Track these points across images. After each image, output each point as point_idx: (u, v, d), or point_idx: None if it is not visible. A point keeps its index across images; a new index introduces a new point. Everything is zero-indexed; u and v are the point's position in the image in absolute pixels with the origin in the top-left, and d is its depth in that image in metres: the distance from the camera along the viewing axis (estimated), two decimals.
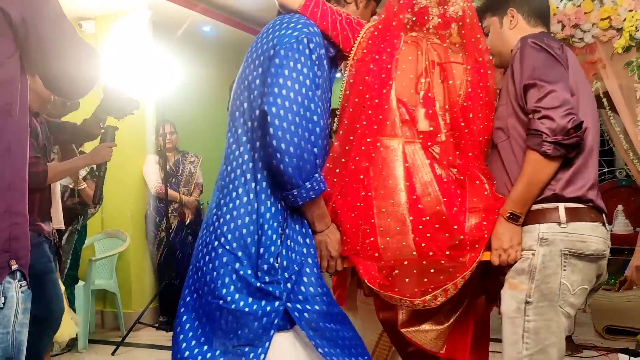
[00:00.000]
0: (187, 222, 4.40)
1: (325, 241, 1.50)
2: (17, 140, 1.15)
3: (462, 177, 1.57)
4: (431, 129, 1.57)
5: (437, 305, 1.49)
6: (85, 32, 4.47)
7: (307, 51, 1.42)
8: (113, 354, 3.69)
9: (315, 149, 1.41)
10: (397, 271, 1.48)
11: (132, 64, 4.32)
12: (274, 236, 1.39)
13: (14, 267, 1.14)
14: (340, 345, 1.41)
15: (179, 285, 4.21)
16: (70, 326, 2.84)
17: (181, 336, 1.43)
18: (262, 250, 1.38)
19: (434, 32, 1.63)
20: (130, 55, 4.32)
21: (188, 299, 1.48)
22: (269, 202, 1.41)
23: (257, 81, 1.45)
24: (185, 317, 1.46)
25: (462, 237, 1.50)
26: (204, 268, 1.43)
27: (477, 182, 1.58)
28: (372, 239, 1.49)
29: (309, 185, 1.40)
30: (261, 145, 1.42)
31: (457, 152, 1.59)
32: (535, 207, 1.57)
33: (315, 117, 1.40)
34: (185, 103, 5.07)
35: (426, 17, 1.61)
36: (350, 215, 1.52)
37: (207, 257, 1.43)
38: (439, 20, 1.61)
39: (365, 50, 1.58)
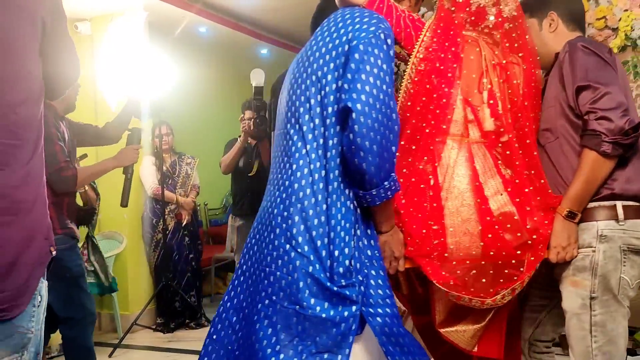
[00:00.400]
0: (184, 223, 4.39)
1: (389, 242, 1.48)
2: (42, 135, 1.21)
3: (525, 177, 1.60)
4: (496, 129, 1.59)
5: (503, 304, 1.53)
6: (81, 34, 4.46)
7: (385, 47, 1.36)
8: (110, 355, 3.68)
9: (393, 147, 1.35)
10: (474, 271, 1.50)
11: (128, 65, 4.31)
12: (347, 238, 1.35)
13: (54, 253, 1.21)
14: (405, 351, 1.37)
15: (175, 286, 4.20)
16: None
17: (257, 345, 1.35)
18: (336, 252, 1.33)
19: (488, 32, 1.64)
20: (126, 56, 4.31)
21: (260, 306, 1.40)
22: (339, 203, 1.36)
23: (329, 77, 1.38)
24: (258, 325, 1.38)
25: (534, 236, 1.55)
26: (277, 273, 1.36)
27: (542, 182, 1.62)
28: (441, 239, 1.50)
29: (387, 185, 1.35)
30: (337, 143, 1.36)
31: (520, 152, 1.61)
32: (592, 205, 1.63)
33: (393, 115, 1.34)
34: (182, 104, 5.07)
35: (484, 17, 1.62)
36: (417, 216, 1.51)
37: (280, 261, 1.37)
38: (495, 20, 1.62)
39: (430, 49, 1.57)
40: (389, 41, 1.38)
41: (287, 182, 1.41)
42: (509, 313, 1.67)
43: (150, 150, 4.45)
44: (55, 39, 1.25)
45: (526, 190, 1.57)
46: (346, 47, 1.36)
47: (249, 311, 1.42)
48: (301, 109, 1.42)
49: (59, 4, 1.26)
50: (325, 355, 1.30)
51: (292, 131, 1.43)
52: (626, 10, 2.98)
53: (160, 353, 3.79)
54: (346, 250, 1.33)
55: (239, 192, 4.05)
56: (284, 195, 1.40)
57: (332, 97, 1.37)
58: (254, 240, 1.48)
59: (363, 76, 1.31)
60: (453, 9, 1.62)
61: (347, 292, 1.31)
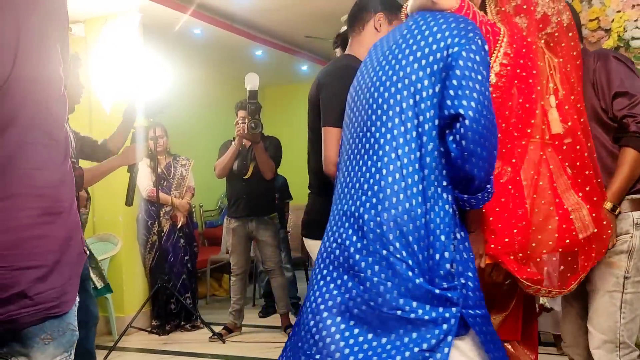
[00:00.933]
0: (179, 225, 4.38)
1: (475, 240, 1.51)
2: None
3: (585, 176, 1.71)
4: (563, 131, 1.67)
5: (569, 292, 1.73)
6: (74, 35, 4.44)
7: (482, 53, 1.38)
8: (105, 358, 3.67)
9: (495, 152, 1.39)
10: (553, 265, 1.65)
11: (122, 67, 4.30)
12: (447, 242, 1.36)
13: (87, 252, 1.26)
14: (498, 347, 1.42)
15: (171, 288, 4.20)
16: None
17: (347, 350, 1.36)
18: (437, 256, 1.35)
19: (546, 39, 1.73)
20: (121, 58, 4.30)
21: (356, 311, 1.40)
22: (437, 207, 1.37)
23: (425, 82, 1.38)
24: (356, 331, 1.39)
25: (609, 231, 1.72)
26: (375, 279, 1.37)
27: (599, 180, 1.74)
28: (526, 237, 1.57)
29: (489, 188, 1.40)
30: (434, 148, 1.37)
31: (586, 154, 1.70)
32: (627, 197, 1.84)
33: (494, 120, 1.37)
34: (177, 106, 5.06)
35: (547, 24, 1.71)
36: (503, 215, 1.55)
37: (377, 267, 1.37)
38: (556, 27, 1.71)
39: (512, 55, 1.62)
40: (485, 47, 1.40)
41: (375, 187, 1.41)
42: (525, 299, 1.79)
43: (144, 152, 4.44)
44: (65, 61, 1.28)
45: (587, 188, 1.69)
46: (445, 52, 1.37)
47: (342, 317, 1.41)
48: (390, 112, 1.42)
49: (66, 31, 1.32)
50: (427, 354, 1.32)
51: (377, 134, 1.43)
52: (619, 11, 3.00)
53: (156, 355, 3.78)
54: (446, 254, 1.36)
55: (234, 194, 4.04)
56: (373, 200, 1.40)
57: (428, 103, 1.38)
58: (335, 245, 1.47)
59: (470, 83, 1.33)
60: (522, 15, 1.68)
61: (449, 295, 1.35)
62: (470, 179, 1.35)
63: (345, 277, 1.42)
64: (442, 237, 1.36)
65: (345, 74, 1.80)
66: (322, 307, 1.44)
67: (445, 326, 1.33)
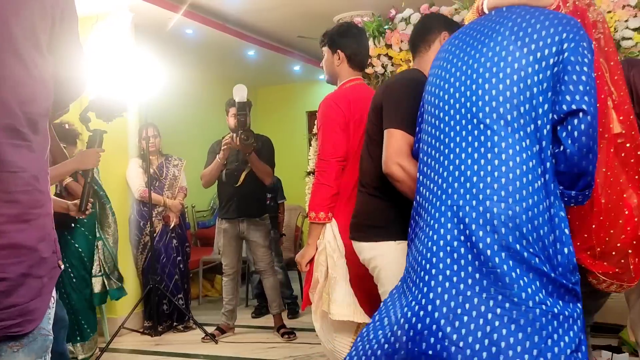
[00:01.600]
0: (172, 225, 4.36)
1: None
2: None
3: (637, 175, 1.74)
4: (623, 131, 1.67)
5: None
6: None
7: (591, 51, 1.41)
8: (97, 359, 3.65)
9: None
10: (625, 259, 1.67)
11: (114, 67, 4.28)
12: (569, 238, 1.38)
13: (62, 267, 1.18)
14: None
15: (163, 289, 4.18)
16: None
17: (494, 349, 1.29)
18: (565, 250, 1.36)
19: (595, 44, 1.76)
20: (112, 58, 4.28)
21: (493, 313, 1.32)
22: (557, 202, 1.38)
23: (537, 77, 1.37)
24: (504, 331, 1.30)
25: None
26: (512, 274, 1.32)
27: None
28: (600, 233, 1.61)
29: (593, 184, 1.43)
30: (548, 144, 1.37)
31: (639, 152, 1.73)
32: None
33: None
34: (169, 106, 5.05)
35: (596, 29, 1.71)
36: (580, 213, 1.59)
37: (511, 262, 1.32)
38: (602, 33, 1.71)
39: None
40: (592, 46, 1.42)
41: (495, 185, 1.36)
42: None
43: (136, 153, 4.42)
44: (63, 41, 1.18)
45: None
46: (560, 47, 1.36)
47: (485, 319, 1.33)
48: (501, 109, 1.39)
49: (72, 1, 1.19)
50: (575, 354, 1.30)
51: (488, 131, 1.39)
52: (609, 11, 3.02)
53: (148, 356, 3.76)
54: (570, 248, 1.37)
55: (225, 196, 4.03)
56: (494, 197, 1.35)
57: (540, 98, 1.36)
58: (454, 244, 1.38)
59: (588, 79, 1.34)
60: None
61: (577, 289, 1.36)
62: (582, 175, 1.37)
63: (477, 275, 1.34)
64: (566, 231, 1.37)
65: (412, 83, 1.88)
66: (458, 311, 1.34)
67: (579, 322, 1.34)
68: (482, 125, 1.40)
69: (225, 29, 5.02)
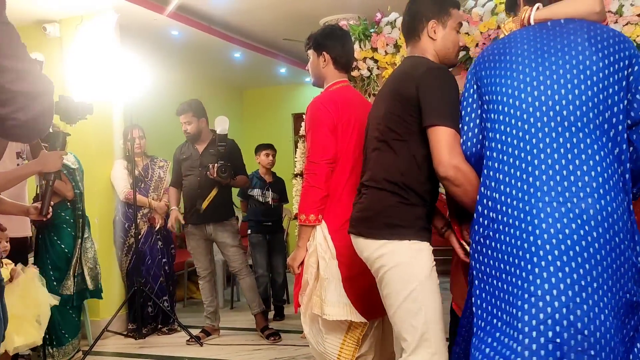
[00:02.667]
0: (157, 227, 4.34)
1: None
2: None
3: None
4: None
5: None
6: (49, 36, 4.38)
7: None
8: None
9: None
10: None
11: (98, 68, 4.25)
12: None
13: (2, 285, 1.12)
14: None
15: (148, 291, 4.15)
16: (33, 334, 2.76)
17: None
18: None
19: None
20: (97, 59, 4.26)
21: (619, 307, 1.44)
22: (629, 198, 1.51)
23: (617, 86, 1.51)
24: (611, 319, 1.41)
25: None
26: (613, 265, 1.43)
27: None
28: None
29: None
30: (626, 148, 1.52)
31: None
32: None
33: None
34: (154, 107, 5.02)
35: None
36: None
37: (613, 254, 1.43)
38: None
39: None
40: None
41: (587, 189, 1.46)
42: None
43: (121, 154, 4.40)
44: None
45: None
46: (633, 60, 1.53)
47: (616, 316, 1.44)
48: (590, 114, 1.50)
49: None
50: None
51: (580, 134, 1.49)
52: None
53: (132, 359, 3.74)
54: None
55: (190, 202, 4.01)
56: (588, 200, 1.45)
57: (621, 106, 1.52)
58: (561, 236, 1.45)
59: None
60: None
61: None
62: None
63: (587, 265, 1.41)
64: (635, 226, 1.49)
65: (448, 76, 1.81)
66: (577, 299, 1.39)
67: None
68: (573, 129, 1.50)
69: (211, 31, 5.02)
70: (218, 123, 3.96)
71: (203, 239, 4.03)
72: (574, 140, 1.49)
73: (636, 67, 1.52)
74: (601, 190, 1.45)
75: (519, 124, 1.56)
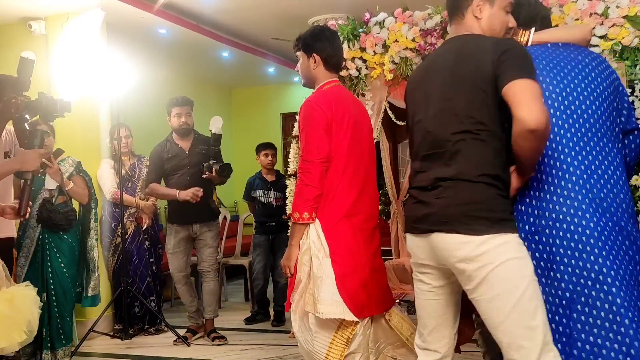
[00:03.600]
0: (144, 227, 4.31)
1: None
2: None
3: None
4: None
5: None
6: (35, 33, 4.34)
7: None
8: None
9: None
10: None
11: (85, 66, 4.21)
12: None
13: None
14: None
15: (135, 291, 4.12)
16: (19, 335, 2.72)
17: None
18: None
19: None
20: (83, 57, 4.21)
21: None
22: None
23: (612, 106, 1.85)
24: None
25: None
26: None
27: None
28: None
29: None
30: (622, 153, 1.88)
31: None
32: None
33: None
34: (141, 106, 4.99)
35: None
36: None
37: (620, 237, 1.74)
38: None
39: None
40: None
41: (608, 186, 1.77)
42: None
43: (108, 153, 4.36)
44: None
45: None
46: (616, 81, 1.88)
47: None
48: (608, 123, 1.84)
49: None
50: None
51: (604, 139, 1.82)
52: (577, 19, 3.09)
53: None
54: None
55: (177, 202, 3.91)
56: (610, 195, 1.77)
57: (621, 118, 1.89)
58: (613, 226, 1.74)
59: (628, 105, 1.93)
60: None
61: None
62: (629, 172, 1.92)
63: (630, 252, 1.74)
64: None
65: (517, 43, 1.79)
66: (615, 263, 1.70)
67: None
68: (604, 138, 1.81)
69: (199, 29, 5.00)
70: (213, 123, 3.93)
71: (186, 238, 3.98)
72: (604, 148, 1.79)
73: (620, 88, 1.87)
74: (624, 189, 1.80)
75: (555, 130, 1.79)
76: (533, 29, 1.90)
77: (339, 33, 3.64)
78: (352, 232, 2.32)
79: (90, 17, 4.21)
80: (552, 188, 1.74)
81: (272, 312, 4.60)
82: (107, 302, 4.19)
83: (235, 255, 5.38)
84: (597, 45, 3.09)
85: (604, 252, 1.67)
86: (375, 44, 3.61)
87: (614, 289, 1.64)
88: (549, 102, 1.75)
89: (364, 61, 3.68)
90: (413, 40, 3.43)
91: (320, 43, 2.44)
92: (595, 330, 1.65)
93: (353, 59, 3.69)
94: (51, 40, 4.35)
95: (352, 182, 2.34)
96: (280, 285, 4.54)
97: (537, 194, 1.77)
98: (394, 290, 3.31)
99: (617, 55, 3.05)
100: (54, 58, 4.31)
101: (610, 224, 1.72)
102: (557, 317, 1.72)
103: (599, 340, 1.64)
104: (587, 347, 1.66)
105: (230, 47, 5.59)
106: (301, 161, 2.33)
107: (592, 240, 1.69)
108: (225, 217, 5.64)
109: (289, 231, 4.57)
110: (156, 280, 4.38)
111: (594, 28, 3.07)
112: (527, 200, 1.77)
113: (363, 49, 3.68)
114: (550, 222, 1.72)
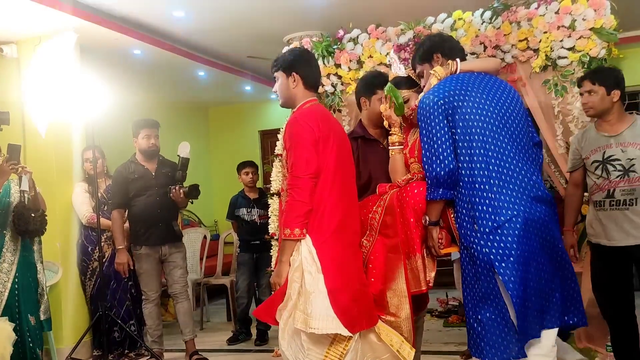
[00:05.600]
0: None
1: None
2: None
3: None
4: None
5: None
6: (6, 57, 4.29)
7: None
8: None
9: None
10: None
11: (57, 89, 4.17)
12: None
13: None
14: None
15: (114, 316, 4.04)
16: None
17: None
18: None
19: None
20: (56, 80, 4.17)
21: None
22: None
23: (528, 118, 2.38)
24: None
25: None
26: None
27: None
28: None
29: None
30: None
31: None
32: None
33: None
34: (118, 128, 4.94)
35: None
36: None
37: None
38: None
39: None
40: None
41: (542, 187, 2.25)
42: None
43: (82, 176, 4.30)
44: None
45: None
46: (522, 102, 2.40)
47: None
48: (528, 134, 2.31)
49: None
50: None
51: (527, 147, 2.27)
52: (545, 32, 3.16)
53: None
54: None
55: (144, 224, 3.85)
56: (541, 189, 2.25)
57: (529, 134, 2.33)
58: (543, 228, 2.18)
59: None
60: None
61: None
62: None
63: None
64: None
65: None
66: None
67: None
68: (527, 146, 2.27)
69: (175, 50, 4.99)
70: (181, 148, 3.91)
71: (157, 261, 3.90)
72: (532, 155, 2.28)
73: (524, 108, 2.36)
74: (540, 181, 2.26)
75: (494, 141, 2.19)
76: (458, 59, 2.36)
77: (314, 50, 3.67)
78: (341, 247, 2.33)
79: (62, 40, 4.18)
80: (503, 190, 2.15)
81: (254, 332, 4.55)
82: (85, 328, 4.10)
83: (217, 274, 5.33)
84: (565, 57, 3.16)
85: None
86: (350, 60, 3.65)
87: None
88: (491, 120, 2.20)
89: (339, 77, 3.71)
90: (387, 55, 3.47)
91: (299, 62, 2.47)
92: None
93: (328, 75, 3.72)
94: (23, 64, 4.30)
95: (339, 198, 2.35)
96: None
97: (492, 195, 2.16)
98: None
99: (586, 66, 3.12)
100: (26, 82, 4.27)
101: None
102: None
103: None
104: None
105: (206, 67, 5.58)
106: (290, 177, 2.32)
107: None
108: (205, 237, 5.59)
109: (272, 250, 4.63)
110: (136, 303, 4.30)
111: (561, 40, 3.15)
112: (487, 200, 2.16)
113: (338, 65, 3.71)
114: (509, 217, 2.12)
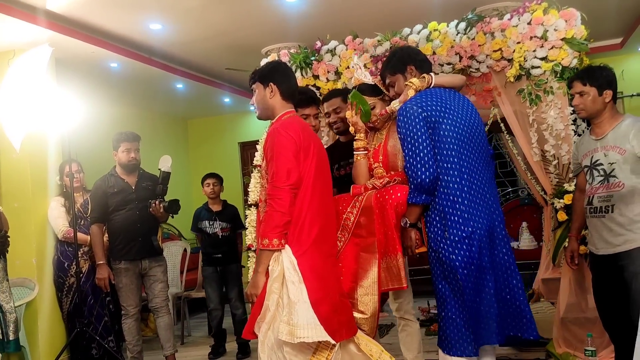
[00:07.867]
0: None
1: None
2: None
3: None
4: None
5: None
6: None
7: None
8: None
9: None
10: None
11: (32, 102, 4.11)
12: None
13: None
14: None
15: (91, 332, 3.96)
16: None
17: None
18: None
19: None
20: (31, 93, 4.11)
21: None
22: None
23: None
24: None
25: None
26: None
27: None
28: None
29: None
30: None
31: None
32: None
33: None
34: (95, 141, 4.89)
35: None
36: None
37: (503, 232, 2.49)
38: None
39: None
40: None
41: (494, 198, 2.50)
42: None
43: (58, 191, 4.24)
44: None
45: None
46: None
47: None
48: (485, 152, 2.51)
49: None
50: None
51: (486, 159, 2.50)
52: (519, 42, 3.22)
53: None
54: None
55: (123, 238, 3.78)
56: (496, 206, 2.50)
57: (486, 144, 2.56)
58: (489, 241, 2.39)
59: None
60: None
61: None
62: None
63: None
64: None
65: None
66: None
67: None
68: (487, 157, 2.52)
69: (152, 62, 4.97)
70: (162, 161, 3.87)
71: (136, 275, 3.83)
72: (490, 168, 2.52)
73: (482, 123, 2.58)
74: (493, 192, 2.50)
75: (463, 157, 2.38)
76: (432, 73, 2.50)
77: (292, 62, 3.68)
78: (321, 258, 2.34)
79: (37, 53, 4.12)
80: (472, 204, 2.35)
81: (230, 346, 4.51)
82: (62, 345, 4.02)
83: (197, 287, 5.27)
84: (539, 67, 3.22)
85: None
86: (328, 72, 3.66)
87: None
88: (464, 139, 2.39)
89: (318, 88, 3.72)
90: (364, 66, 3.49)
91: (276, 73, 2.49)
92: None
93: (307, 86, 3.73)
94: None
95: (319, 209, 2.36)
96: (238, 317, 4.48)
97: (463, 207, 2.34)
98: None
99: (558, 75, 3.18)
100: (0, 95, 4.20)
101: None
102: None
103: None
104: None
105: (184, 79, 5.57)
106: (270, 187, 2.32)
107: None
108: (185, 250, 5.54)
109: (236, 264, 4.57)
110: (114, 319, 4.23)
111: (534, 50, 3.21)
112: (458, 212, 2.34)
113: (316, 77, 3.72)
114: (476, 228, 2.33)
